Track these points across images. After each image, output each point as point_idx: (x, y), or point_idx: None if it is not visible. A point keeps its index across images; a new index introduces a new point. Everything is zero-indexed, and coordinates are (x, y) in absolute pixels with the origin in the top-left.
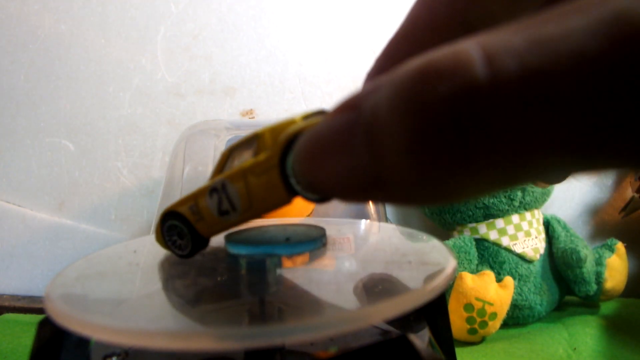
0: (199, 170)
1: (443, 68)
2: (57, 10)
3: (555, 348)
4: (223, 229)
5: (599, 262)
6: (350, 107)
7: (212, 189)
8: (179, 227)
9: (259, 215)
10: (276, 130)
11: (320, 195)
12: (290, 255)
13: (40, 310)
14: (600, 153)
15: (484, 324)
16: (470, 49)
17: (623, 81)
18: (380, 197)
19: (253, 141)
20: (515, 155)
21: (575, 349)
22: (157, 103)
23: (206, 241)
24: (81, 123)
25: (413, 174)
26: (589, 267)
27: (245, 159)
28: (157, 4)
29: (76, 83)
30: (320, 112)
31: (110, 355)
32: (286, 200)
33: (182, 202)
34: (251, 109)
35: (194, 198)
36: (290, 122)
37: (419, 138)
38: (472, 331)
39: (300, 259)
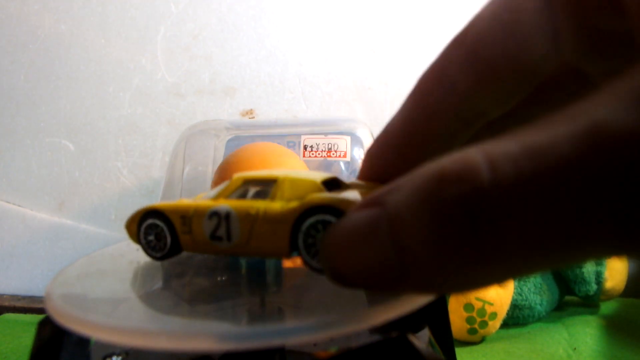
0: (199, 170)
1: (455, 173)
2: (57, 10)
3: (555, 348)
4: (206, 251)
5: (599, 262)
6: (375, 203)
7: (214, 213)
8: (160, 230)
9: (248, 254)
10: (296, 183)
11: (345, 286)
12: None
13: (40, 310)
14: (587, 241)
15: (484, 324)
16: (477, 156)
17: (600, 183)
18: (404, 288)
19: (271, 183)
20: (521, 245)
21: (575, 349)
22: (157, 103)
23: (180, 249)
24: (81, 123)
25: (435, 265)
26: (589, 267)
27: (256, 196)
28: (157, 4)
29: (76, 83)
30: (334, 179)
31: (111, 355)
32: (285, 255)
33: (173, 207)
34: (251, 109)
35: (189, 210)
36: (310, 183)
37: (438, 232)
38: (472, 331)
39: (300, 259)
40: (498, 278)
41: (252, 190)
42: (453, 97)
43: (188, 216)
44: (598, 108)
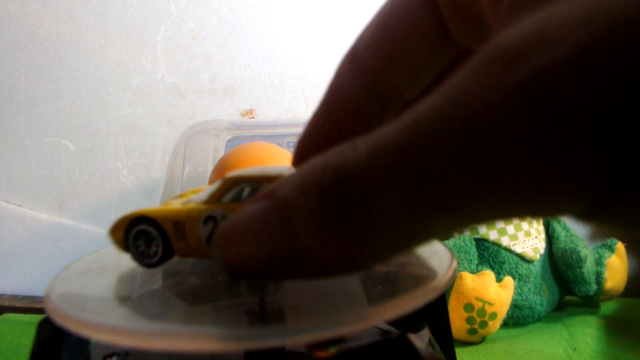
0: (199, 170)
1: (333, 159)
2: (57, 10)
3: (555, 348)
4: (202, 256)
5: (599, 262)
6: (267, 195)
7: (210, 217)
8: (151, 236)
9: None
10: None
11: (233, 275)
12: None
13: (40, 310)
14: (435, 209)
15: (484, 324)
16: (349, 142)
17: (444, 156)
18: (296, 273)
19: (262, 183)
20: (388, 219)
21: (575, 349)
22: (157, 103)
23: (172, 254)
24: (81, 123)
25: (322, 249)
26: (589, 267)
27: (251, 193)
28: (157, 4)
29: (76, 83)
30: None
31: (111, 355)
32: None
33: (164, 213)
34: (251, 109)
35: (181, 216)
36: None
37: (321, 216)
38: (472, 331)
39: None
40: (380, 254)
41: (247, 191)
42: (363, 76)
43: (180, 222)
44: (447, 89)
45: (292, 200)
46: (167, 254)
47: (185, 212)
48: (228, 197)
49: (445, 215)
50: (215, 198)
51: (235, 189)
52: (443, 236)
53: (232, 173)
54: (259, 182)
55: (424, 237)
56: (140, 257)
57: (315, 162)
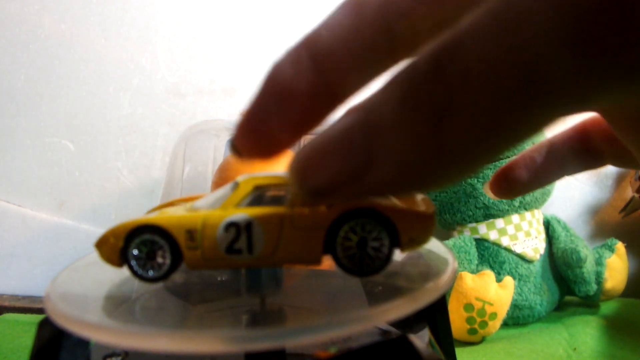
0: (199, 170)
1: (423, 54)
2: (57, 10)
3: (555, 348)
4: (217, 266)
5: (599, 262)
6: (352, 111)
7: (232, 224)
8: (157, 247)
9: (272, 264)
10: None
11: (315, 197)
12: None
13: (40, 310)
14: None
15: (484, 324)
16: (424, 54)
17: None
18: (369, 186)
19: (288, 188)
20: (481, 126)
21: (575, 349)
22: (157, 103)
23: (178, 267)
24: (81, 123)
25: (402, 153)
26: (589, 267)
27: (274, 202)
28: (157, 4)
29: (76, 83)
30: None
31: (111, 356)
32: (317, 262)
33: (174, 220)
34: None
35: (196, 223)
36: None
37: (407, 118)
38: (472, 331)
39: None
40: (464, 171)
41: (268, 196)
42: (391, 12)
43: (197, 229)
44: None
45: (377, 108)
46: (174, 266)
47: (202, 218)
48: (246, 202)
49: (556, 96)
50: (232, 203)
51: (255, 193)
52: (536, 130)
53: (244, 176)
54: (282, 187)
55: (524, 133)
56: (142, 270)
57: (402, 69)
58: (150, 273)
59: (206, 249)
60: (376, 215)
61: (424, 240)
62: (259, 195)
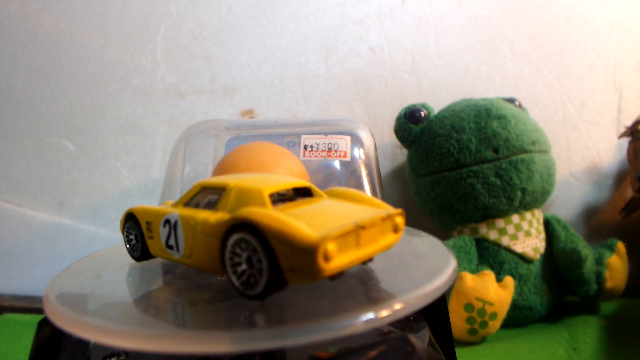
0: (199, 170)
1: None
2: (57, 10)
3: (555, 348)
4: (168, 259)
5: (599, 262)
6: None
7: (167, 220)
8: (135, 231)
9: (194, 267)
10: (243, 193)
11: None
12: None
13: (40, 310)
14: None
15: (484, 324)
16: None
17: None
18: None
19: (221, 191)
20: None
21: (575, 349)
22: (157, 103)
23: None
24: (81, 123)
25: None
26: (589, 267)
27: (207, 205)
28: (157, 3)
29: (76, 83)
30: (307, 188)
31: (110, 356)
32: (220, 272)
33: (143, 211)
34: (251, 109)
35: (151, 215)
36: (256, 192)
37: None
38: (472, 331)
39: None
40: None
41: (207, 198)
42: None
43: (150, 221)
44: None
45: None
46: (146, 253)
47: (155, 212)
48: (192, 202)
49: None
50: (182, 202)
51: (200, 194)
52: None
53: (203, 179)
54: (218, 191)
55: None
56: (130, 250)
57: None
58: (134, 253)
59: (155, 240)
60: (256, 232)
61: (309, 273)
62: (203, 196)
